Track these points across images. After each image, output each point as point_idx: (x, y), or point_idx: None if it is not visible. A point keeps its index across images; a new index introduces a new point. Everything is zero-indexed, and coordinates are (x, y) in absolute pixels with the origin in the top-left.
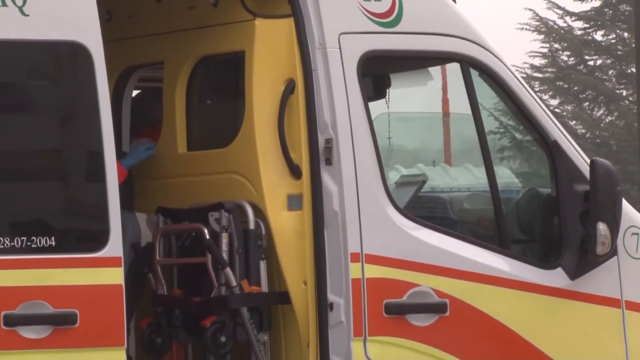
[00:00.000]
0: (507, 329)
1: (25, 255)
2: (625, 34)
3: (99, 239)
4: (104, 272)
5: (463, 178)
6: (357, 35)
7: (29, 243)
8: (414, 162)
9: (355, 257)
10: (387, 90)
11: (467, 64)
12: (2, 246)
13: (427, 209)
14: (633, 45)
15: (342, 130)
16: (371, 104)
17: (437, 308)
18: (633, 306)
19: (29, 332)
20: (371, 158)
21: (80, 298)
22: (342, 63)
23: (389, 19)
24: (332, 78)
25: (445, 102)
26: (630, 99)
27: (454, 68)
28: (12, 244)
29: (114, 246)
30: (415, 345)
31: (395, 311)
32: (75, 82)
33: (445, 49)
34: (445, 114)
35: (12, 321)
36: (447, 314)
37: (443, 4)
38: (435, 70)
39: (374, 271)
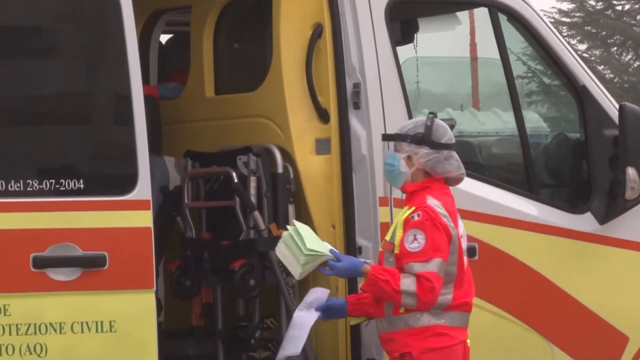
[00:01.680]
0: (535, 273)
1: (54, 198)
2: None
3: (128, 182)
4: (133, 215)
5: (491, 122)
6: None
7: (57, 186)
8: (442, 107)
9: (384, 201)
10: (415, 35)
11: (496, 8)
12: (31, 189)
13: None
14: None
15: (370, 75)
16: (399, 49)
17: (467, 252)
18: None
19: (58, 274)
20: (399, 102)
21: (109, 241)
22: (370, 7)
23: None
24: (360, 22)
25: (473, 46)
26: None
27: (482, 12)
28: (41, 186)
29: (143, 189)
30: None
31: None
32: (103, 26)
33: None
34: (474, 58)
35: (41, 263)
36: (476, 257)
37: None
38: (463, 15)
39: None
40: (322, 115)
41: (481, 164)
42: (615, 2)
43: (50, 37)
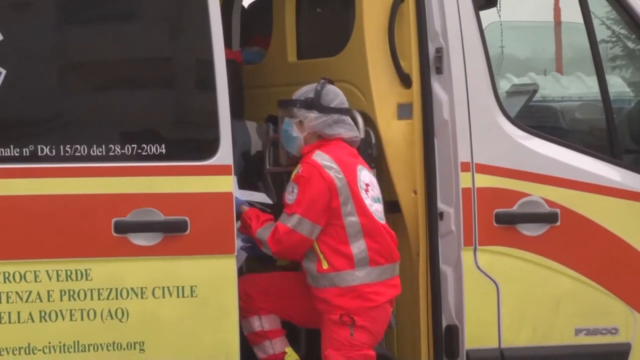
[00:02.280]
0: (618, 239)
1: (136, 163)
2: None
3: (210, 147)
4: (215, 180)
5: (574, 87)
6: None
7: (139, 151)
8: (525, 71)
9: (466, 167)
10: None
11: None
12: (113, 153)
13: (539, 118)
14: None
15: (452, 39)
16: (482, 13)
17: (548, 218)
18: None
19: (139, 239)
20: (482, 67)
21: (190, 206)
22: None
23: None
24: None
25: (557, 10)
26: None
27: None
28: (123, 151)
29: (225, 154)
30: (526, 255)
31: (506, 221)
32: None
33: None
34: (557, 22)
35: (122, 228)
36: (558, 223)
37: None
38: None
39: (484, 180)
40: (404, 80)
41: (564, 128)
42: None
43: (132, 1)
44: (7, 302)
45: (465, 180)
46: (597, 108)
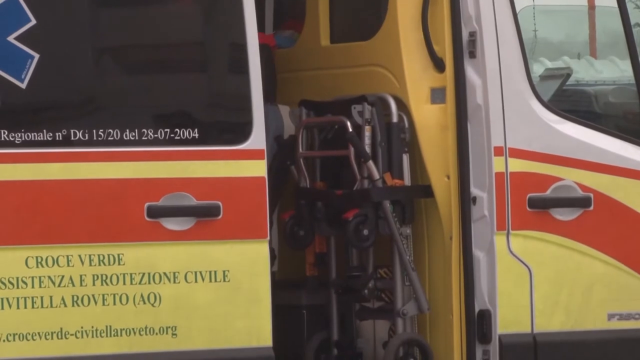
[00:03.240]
0: None
1: (168, 147)
2: None
3: (242, 132)
4: (247, 165)
5: (608, 71)
6: None
7: (172, 135)
8: (558, 55)
9: (499, 151)
10: None
11: None
12: (146, 138)
13: (572, 103)
14: None
15: (486, 23)
16: None
17: (581, 202)
18: None
19: (172, 224)
20: (515, 51)
21: (223, 190)
22: None
23: None
24: None
25: None
26: None
27: None
28: (156, 135)
29: (257, 138)
30: (559, 239)
31: (539, 205)
32: None
33: None
34: (591, 6)
35: (155, 212)
36: (591, 208)
37: None
38: None
39: (517, 165)
40: (438, 64)
41: (598, 113)
42: None
43: None
44: (40, 286)
45: (498, 164)
46: (631, 92)
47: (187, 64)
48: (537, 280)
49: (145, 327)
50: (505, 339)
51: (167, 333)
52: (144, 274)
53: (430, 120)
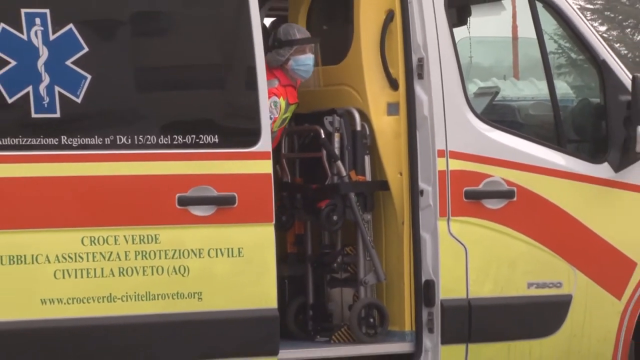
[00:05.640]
0: (563, 212)
1: (194, 150)
2: None
3: (253, 137)
4: (257, 164)
5: (528, 89)
6: None
7: (197, 140)
8: (488, 77)
9: (441, 153)
10: (468, 19)
11: None
12: (176, 142)
13: (499, 115)
14: None
15: (431, 51)
16: (455, 30)
17: (506, 194)
18: None
19: (197, 210)
20: (455, 73)
21: (238, 184)
22: None
23: None
24: (424, 9)
25: (514, 28)
26: None
27: (522, 1)
28: (184, 140)
29: (265, 143)
30: (489, 224)
31: (473, 197)
32: (236, 11)
33: None
34: (515, 37)
35: (184, 201)
36: (515, 199)
37: None
38: (507, 2)
39: (456, 164)
40: (393, 83)
41: (520, 123)
42: None
43: (193, 22)
44: (93, 260)
45: (440, 164)
46: (546, 106)
47: (209, 83)
48: (471, 256)
49: (177, 293)
50: (446, 303)
51: (194, 297)
52: (175, 250)
53: (386, 129)
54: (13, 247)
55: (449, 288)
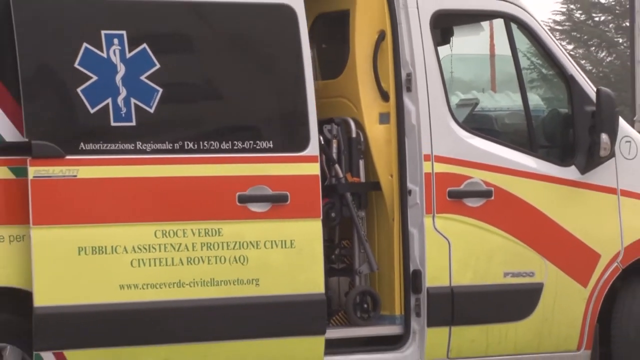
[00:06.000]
0: (535, 209)
1: (252, 154)
2: None
3: (303, 143)
4: (306, 166)
5: (504, 101)
6: None
7: (255, 145)
8: (469, 90)
9: (427, 157)
10: (451, 38)
11: (509, 19)
12: (237, 147)
13: (479, 123)
14: (627, 5)
15: (418, 67)
16: (440, 48)
17: (485, 194)
18: (626, 193)
19: (255, 207)
20: (439, 87)
21: (290, 184)
22: (419, 18)
23: None
24: (412, 29)
25: (492, 46)
26: (625, 45)
27: (499, 22)
28: (244, 145)
29: (313, 148)
30: (469, 220)
31: (455, 196)
32: (289, 34)
33: (494, 9)
34: (492, 55)
35: (243, 199)
36: (492, 198)
37: None
38: (485, 24)
39: (440, 167)
40: (384, 96)
41: (497, 130)
42: (594, 15)
43: (254, 46)
44: (165, 250)
45: (426, 167)
46: (520, 116)
47: (265, 95)
48: (454, 249)
49: (237, 279)
50: (431, 290)
51: (252, 283)
52: (236, 242)
53: (379, 136)
54: (96, 239)
55: (434, 277)
